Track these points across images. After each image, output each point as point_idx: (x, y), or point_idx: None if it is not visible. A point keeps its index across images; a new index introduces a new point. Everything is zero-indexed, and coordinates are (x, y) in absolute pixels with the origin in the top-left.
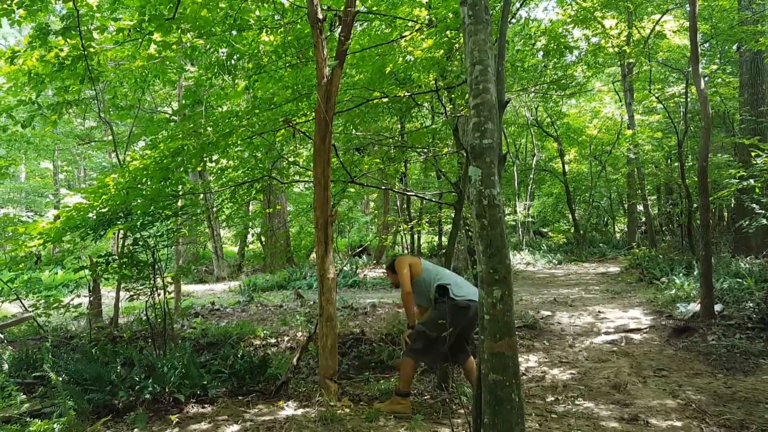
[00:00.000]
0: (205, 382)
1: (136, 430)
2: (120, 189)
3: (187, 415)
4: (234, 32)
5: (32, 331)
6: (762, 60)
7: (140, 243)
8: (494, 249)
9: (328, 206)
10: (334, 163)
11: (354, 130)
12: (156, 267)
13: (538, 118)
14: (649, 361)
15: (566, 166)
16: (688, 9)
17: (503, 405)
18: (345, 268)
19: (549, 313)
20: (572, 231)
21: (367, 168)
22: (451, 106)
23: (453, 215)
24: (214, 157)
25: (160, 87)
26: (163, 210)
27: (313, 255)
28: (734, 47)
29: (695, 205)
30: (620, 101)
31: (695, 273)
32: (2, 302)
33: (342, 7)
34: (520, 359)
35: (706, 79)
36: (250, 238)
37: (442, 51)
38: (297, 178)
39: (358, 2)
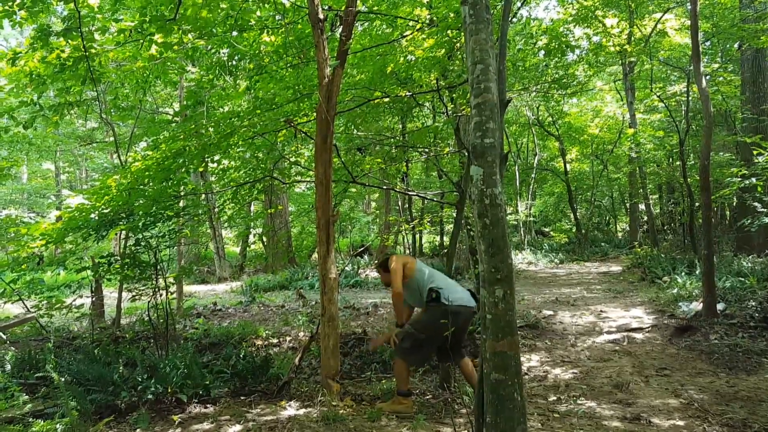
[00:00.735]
0: (207, 383)
1: (138, 430)
2: (122, 190)
3: (189, 415)
4: (235, 33)
5: (35, 332)
6: (763, 58)
7: (142, 243)
8: (496, 248)
9: (329, 206)
10: (336, 163)
11: (355, 130)
12: (158, 267)
13: (540, 118)
14: (651, 361)
15: (568, 166)
16: (690, 7)
17: (505, 404)
18: (347, 268)
19: (551, 312)
20: (574, 230)
21: (368, 168)
22: (452, 106)
23: (455, 215)
24: (216, 158)
25: (162, 88)
26: (165, 210)
27: (315, 255)
28: (735, 45)
29: (697, 204)
30: (621, 100)
31: (697, 272)
32: (4, 303)
33: (343, 7)
34: (522, 359)
35: (708, 77)
36: (251, 238)
37: (443, 50)
38: (299, 178)
39: (359, 2)
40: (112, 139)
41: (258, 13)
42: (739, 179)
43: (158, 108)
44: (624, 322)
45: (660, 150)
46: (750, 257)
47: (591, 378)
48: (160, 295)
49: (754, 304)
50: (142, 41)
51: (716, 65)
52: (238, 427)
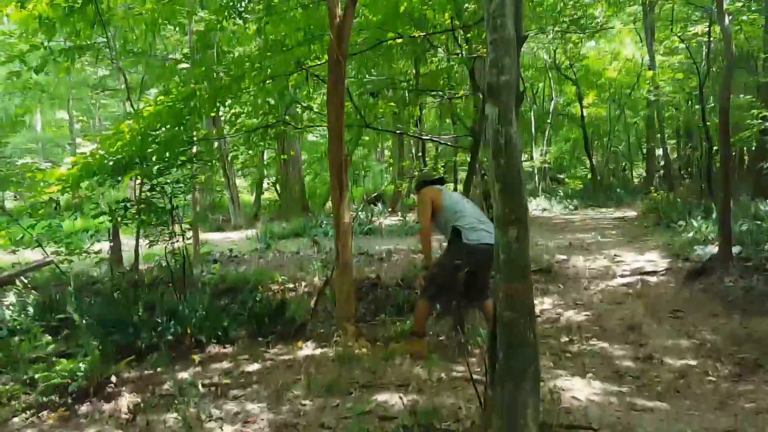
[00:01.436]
0: (225, 324)
1: (159, 369)
2: (135, 135)
3: (209, 355)
4: None
5: (55, 278)
6: None
7: (157, 189)
8: (511, 189)
9: (342, 151)
10: (348, 108)
11: (367, 74)
12: (173, 213)
13: (557, 61)
14: (664, 303)
15: (584, 110)
16: None
17: (518, 342)
18: (360, 215)
19: (564, 257)
20: (589, 177)
21: (381, 112)
22: (467, 47)
23: (469, 160)
24: (227, 102)
25: (171, 33)
26: (178, 156)
27: (329, 204)
28: None
29: (715, 148)
30: (641, 42)
31: (713, 216)
32: (24, 250)
33: None
34: (534, 301)
35: (731, 17)
36: (265, 186)
37: None
38: (311, 124)
39: None
40: (123, 86)
41: None
42: (759, 122)
43: (168, 54)
44: (638, 266)
45: (679, 93)
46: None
47: (603, 320)
48: (177, 241)
49: None
50: None
51: (740, 3)
52: (257, 365)
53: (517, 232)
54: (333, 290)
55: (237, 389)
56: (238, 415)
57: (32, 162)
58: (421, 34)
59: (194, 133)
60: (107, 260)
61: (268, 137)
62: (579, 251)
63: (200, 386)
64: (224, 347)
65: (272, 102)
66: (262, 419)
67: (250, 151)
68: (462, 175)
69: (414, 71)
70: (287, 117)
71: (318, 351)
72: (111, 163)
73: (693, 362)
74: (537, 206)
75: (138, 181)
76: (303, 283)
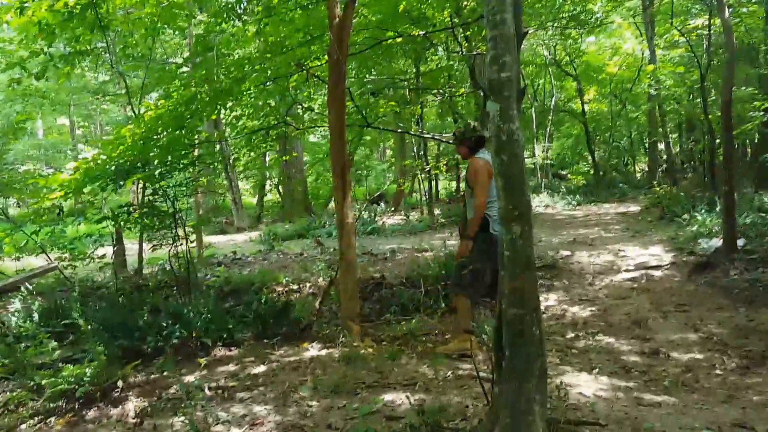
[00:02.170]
0: (230, 327)
1: (165, 372)
2: (136, 140)
3: (214, 358)
4: None
5: (59, 283)
6: None
7: (159, 193)
8: (513, 185)
9: (344, 151)
10: (349, 108)
11: (368, 74)
12: (177, 217)
13: (557, 57)
14: (670, 297)
15: (585, 106)
16: None
17: (523, 338)
18: (364, 215)
19: (568, 252)
20: (592, 172)
21: (382, 111)
22: (466, 45)
23: None
24: (228, 105)
25: (171, 36)
26: (180, 160)
27: (332, 204)
28: None
29: (718, 141)
30: (641, 36)
31: (717, 209)
32: (27, 256)
33: None
34: (539, 298)
35: (731, 9)
36: (267, 187)
37: None
38: (312, 124)
39: None
40: (124, 90)
41: None
42: (762, 113)
43: (168, 58)
44: (642, 260)
45: (680, 87)
46: None
47: (609, 315)
48: (180, 244)
49: None
50: None
51: None
52: (263, 367)
53: (521, 228)
54: (337, 290)
55: (243, 392)
56: (245, 417)
57: (34, 168)
58: (420, 32)
59: (195, 136)
60: (111, 265)
61: (270, 139)
62: (583, 247)
63: (207, 389)
64: (230, 350)
65: (273, 103)
66: (269, 421)
67: (252, 153)
68: (463, 172)
69: (414, 70)
70: (288, 118)
71: (324, 352)
72: (113, 167)
73: (700, 356)
74: (540, 203)
75: (140, 185)
76: (307, 284)
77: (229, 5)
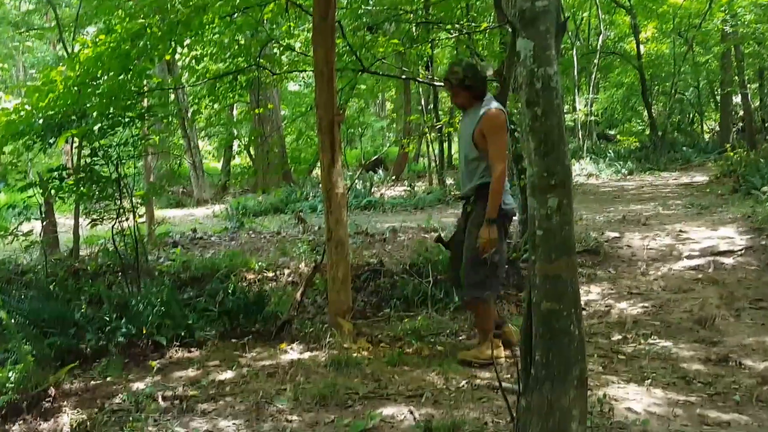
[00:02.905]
0: (190, 323)
1: (109, 377)
2: (70, 85)
3: (170, 361)
4: None
5: None
6: None
7: (100, 154)
8: (549, 145)
9: (333, 102)
10: (341, 47)
11: (364, 4)
12: (121, 184)
13: None
14: (743, 290)
15: (641, 47)
16: None
17: (560, 339)
18: (357, 185)
19: (616, 234)
20: (647, 132)
21: (382, 51)
22: None
23: None
24: (186, 42)
25: None
26: (125, 111)
27: (316, 171)
28: None
29: None
30: None
31: None
32: None
33: None
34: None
35: None
36: (236, 148)
37: None
38: (293, 68)
39: None
40: (53, 23)
41: None
42: None
43: None
44: (710, 244)
45: (764, 23)
46: None
47: (666, 313)
48: (126, 219)
49: None
50: None
51: None
52: (230, 373)
53: (558, 200)
54: (324, 279)
55: (206, 402)
56: None
57: None
58: None
59: (144, 81)
60: (40, 244)
61: (239, 86)
62: (635, 227)
63: (160, 399)
64: (189, 350)
65: (243, 41)
66: None
67: (216, 105)
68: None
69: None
70: (262, 60)
71: (306, 354)
72: (41, 121)
73: None
74: (581, 171)
75: (75, 144)
76: (286, 271)
77: None
